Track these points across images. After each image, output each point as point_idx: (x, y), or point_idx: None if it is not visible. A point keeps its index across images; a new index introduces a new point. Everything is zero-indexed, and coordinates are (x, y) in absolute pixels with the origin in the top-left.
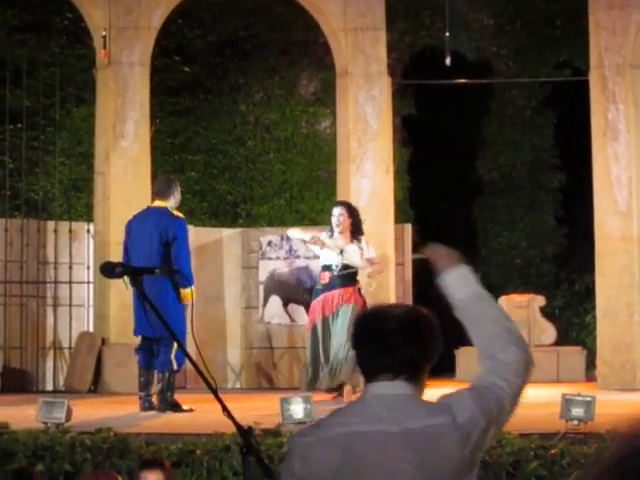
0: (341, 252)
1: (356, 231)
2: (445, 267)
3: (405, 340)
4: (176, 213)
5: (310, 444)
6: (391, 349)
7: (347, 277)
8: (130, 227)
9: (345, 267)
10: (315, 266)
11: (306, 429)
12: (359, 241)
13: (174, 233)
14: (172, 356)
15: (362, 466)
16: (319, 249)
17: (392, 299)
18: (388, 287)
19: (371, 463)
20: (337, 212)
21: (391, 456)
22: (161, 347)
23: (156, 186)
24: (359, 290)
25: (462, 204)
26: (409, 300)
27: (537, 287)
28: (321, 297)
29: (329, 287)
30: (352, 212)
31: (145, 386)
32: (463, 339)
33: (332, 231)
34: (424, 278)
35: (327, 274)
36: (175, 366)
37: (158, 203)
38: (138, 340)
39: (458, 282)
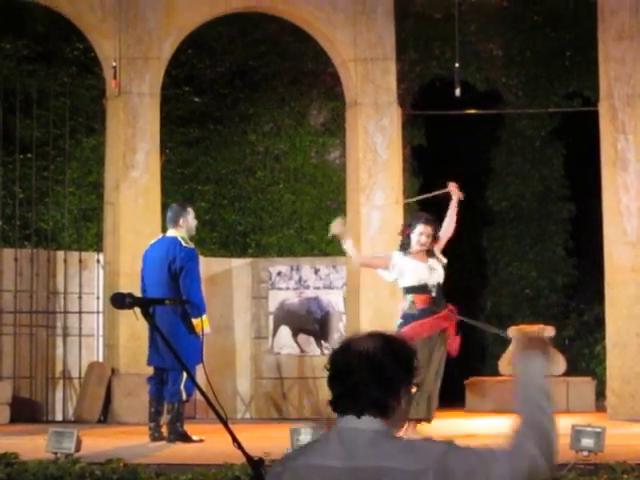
0: (431, 270)
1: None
2: (527, 349)
3: (367, 381)
4: (185, 243)
5: (278, 474)
6: (353, 391)
7: (443, 298)
8: (145, 257)
9: (439, 286)
10: (324, 296)
11: (280, 459)
12: (433, 256)
13: (182, 263)
14: (181, 386)
15: None
16: (388, 272)
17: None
18: (392, 317)
19: None
20: (425, 232)
21: None
22: (170, 377)
23: (167, 215)
24: (452, 310)
25: (472, 234)
26: None
27: (546, 317)
28: (420, 322)
29: (428, 312)
30: (436, 230)
31: (155, 416)
32: (473, 370)
33: (405, 249)
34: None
35: (425, 297)
36: (184, 396)
37: (170, 232)
38: (150, 370)
39: (529, 369)
